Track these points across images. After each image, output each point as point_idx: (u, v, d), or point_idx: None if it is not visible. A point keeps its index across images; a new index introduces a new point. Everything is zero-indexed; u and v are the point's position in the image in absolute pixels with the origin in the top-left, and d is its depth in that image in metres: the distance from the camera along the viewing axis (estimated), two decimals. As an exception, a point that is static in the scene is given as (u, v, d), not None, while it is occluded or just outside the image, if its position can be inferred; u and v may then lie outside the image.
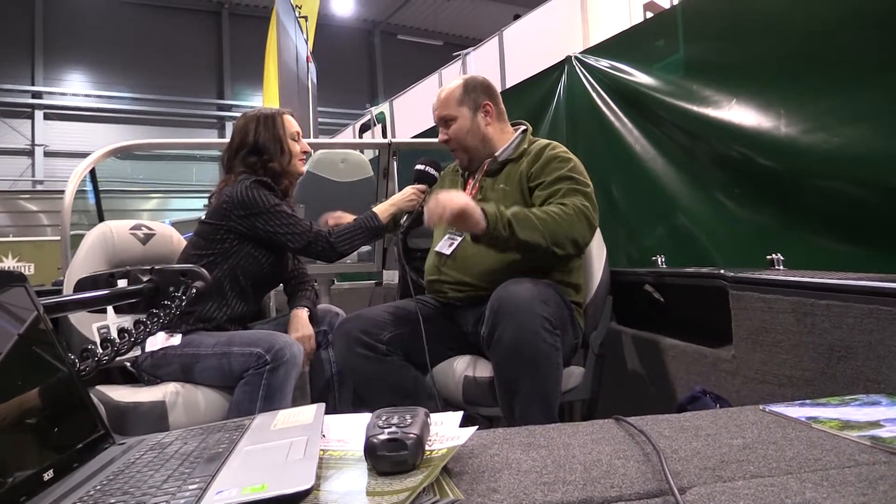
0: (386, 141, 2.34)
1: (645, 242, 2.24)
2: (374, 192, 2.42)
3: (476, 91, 1.55)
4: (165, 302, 0.80)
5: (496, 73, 4.64)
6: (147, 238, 1.63)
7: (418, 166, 1.68)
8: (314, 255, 1.50)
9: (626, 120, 2.36)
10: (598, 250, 1.57)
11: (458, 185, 1.63)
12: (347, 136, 8.23)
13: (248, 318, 1.55)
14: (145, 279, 0.83)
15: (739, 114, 1.76)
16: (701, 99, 1.93)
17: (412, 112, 6.41)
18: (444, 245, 1.55)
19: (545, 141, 1.54)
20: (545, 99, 2.85)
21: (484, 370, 1.33)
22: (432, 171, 1.67)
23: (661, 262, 1.99)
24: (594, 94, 2.53)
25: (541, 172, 1.45)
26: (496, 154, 1.55)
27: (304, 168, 1.61)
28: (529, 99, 2.92)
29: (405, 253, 1.83)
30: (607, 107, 2.46)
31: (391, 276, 2.74)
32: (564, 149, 1.49)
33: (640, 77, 2.28)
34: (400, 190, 1.71)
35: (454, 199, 1.24)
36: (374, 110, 7.35)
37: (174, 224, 2.75)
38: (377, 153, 2.47)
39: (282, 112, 1.60)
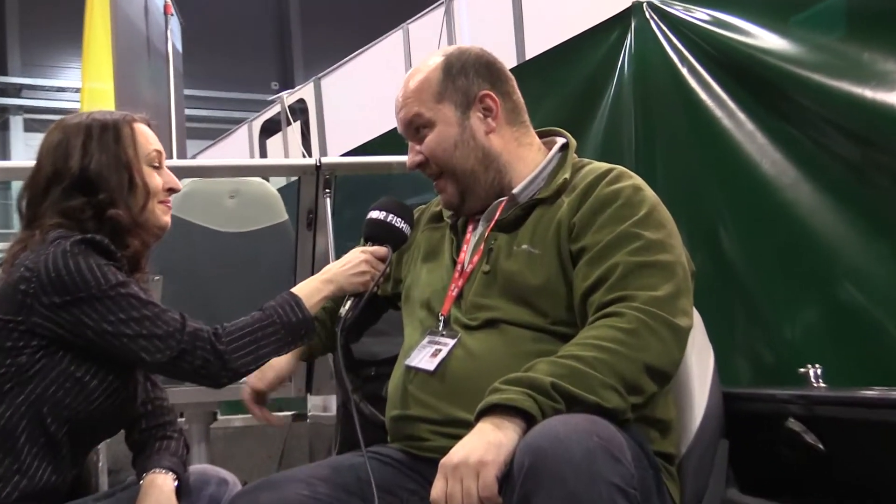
0: (311, 161, 2.38)
1: (785, 338, 2.25)
2: (290, 255, 2.44)
3: (466, 73, 1.62)
4: None
5: (506, 37, 4.74)
6: None
7: (374, 213, 1.74)
8: (188, 376, 1.52)
9: (741, 114, 2.40)
10: (698, 356, 1.59)
11: (445, 245, 1.69)
12: (240, 143, 8.46)
13: (59, 496, 1.51)
14: None
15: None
16: (879, 77, 1.95)
17: (357, 100, 6.54)
18: (423, 354, 1.57)
19: (601, 166, 1.60)
20: (595, 80, 2.91)
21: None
22: (398, 222, 1.73)
23: (817, 376, 1.90)
24: (684, 70, 2.59)
25: (587, 228, 1.50)
26: (514, 190, 1.61)
27: (167, 218, 1.65)
28: (566, 81, 2.98)
29: (349, 366, 1.85)
30: (708, 91, 2.51)
31: (323, 406, 2.75)
32: (633, 180, 1.54)
33: (767, 39, 2.33)
34: (340, 254, 1.76)
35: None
36: (290, 97, 7.56)
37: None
38: (296, 182, 2.49)
39: (130, 119, 1.64)
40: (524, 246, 1.54)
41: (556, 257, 1.50)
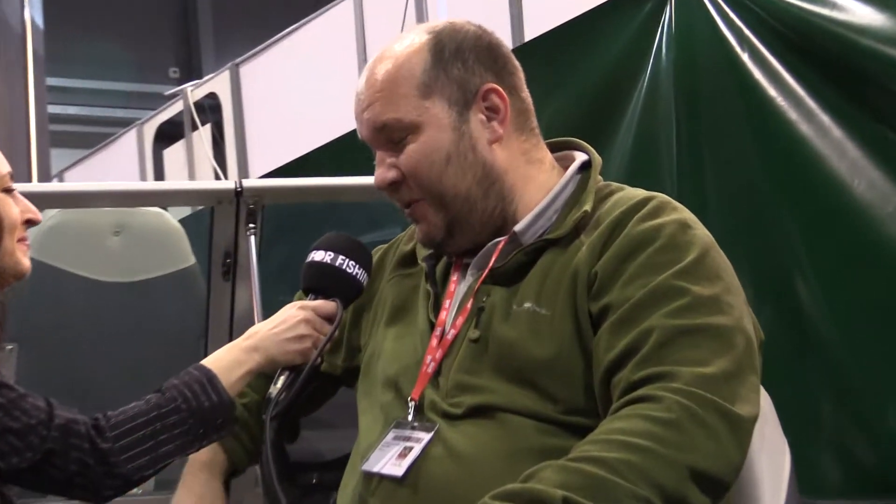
0: (228, 185, 2.40)
1: (890, 429, 2.29)
2: (199, 314, 2.46)
3: (464, 59, 1.65)
4: None
5: (496, 9, 4.71)
6: None
7: (317, 255, 1.76)
8: (58, 486, 1.55)
9: (825, 117, 2.46)
10: (768, 457, 1.64)
11: (418, 300, 1.71)
12: (126, 155, 8.41)
13: None
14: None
15: None
16: None
17: (291, 95, 6.58)
18: (387, 455, 1.57)
19: (634, 194, 1.62)
20: (621, 69, 3.01)
21: None
22: (351, 266, 1.75)
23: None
24: (744, 54, 2.66)
25: (613, 279, 1.52)
26: (517, 226, 1.64)
27: (27, 260, 1.67)
28: (582, 71, 3.08)
29: (283, 471, 1.82)
30: (778, 84, 2.58)
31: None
32: (678, 213, 1.56)
33: (863, 15, 2.38)
34: (269, 312, 1.79)
35: None
36: (196, 90, 7.54)
37: None
38: (207, 212, 2.51)
39: None
40: (527, 304, 1.55)
41: (570, 320, 1.51)
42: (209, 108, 7.34)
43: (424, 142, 1.60)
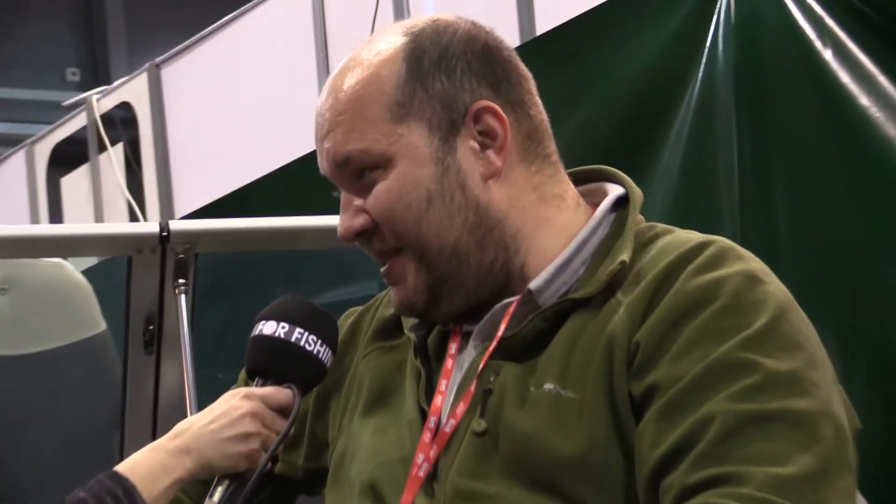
0: (149, 228, 2.41)
1: None
2: (112, 398, 2.45)
3: (450, 68, 1.65)
4: None
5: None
6: None
7: (266, 326, 1.75)
8: None
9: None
10: None
11: (405, 380, 1.72)
12: (12, 184, 8.40)
13: None
14: None
15: None
16: None
17: (230, 105, 6.64)
18: None
19: (686, 238, 1.62)
20: (665, 68, 3.03)
21: None
22: (311, 341, 1.75)
23: None
24: (826, 51, 2.68)
25: (660, 351, 1.52)
26: (533, 283, 1.64)
27: None
28: (613, 72, 3.09)
29: None
30: (871, 88, 2.59)
31: None
32: (743, 263, 1.56)
33: None
34: (206, 398, 1.83)
35: None
36: (104, 99, 7.51)
37: None
38: (122, 263, 2.52)
39: None
40: (549, 385, 1.55)
41: (605, 405, 1.51)
42: (121, 123, 7.34)
43: (398, 179, 1.61)
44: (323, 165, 1.66)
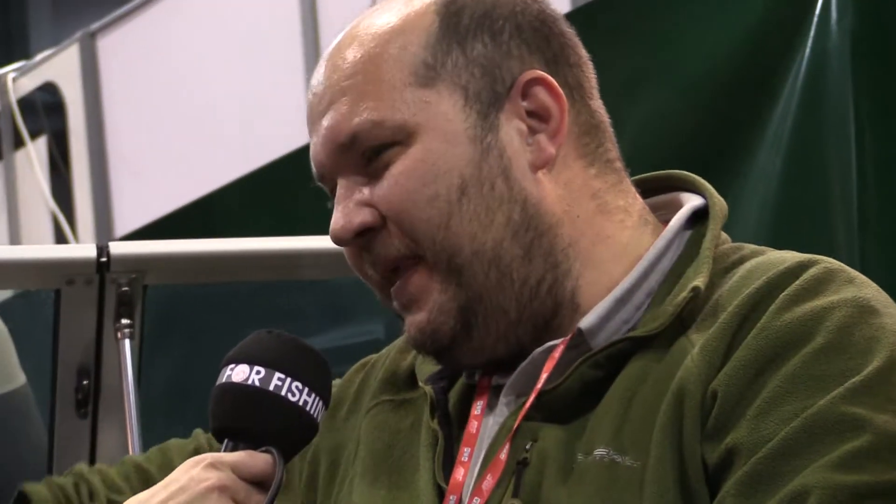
0: (86, 253, 2.42)
1: None
2: (37, 469, 2.48)
3: (496, 29, 1.67)
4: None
5: None
6: None
7: (235, 372, 1.75)
8: None
9: None
10: None
11: (418, 446, 1.74)
12: None
13: None
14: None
15: None
16: None
17: (188, 86, 6.67)
18: None
19: (777, 259, 1.63)
20: (762, 43, 3.05)
21: None
22: (294, 389, 1.74)
23: None
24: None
25: (741, 403, 1.52)
26: (583, 322, 1.65)
27: None
28: (692, 46, 3.13)
29: None
30: None
31: None
32: (852, 289, 1.56)
33: None
34: (162, 469, 1.82)
35: None
36: (22, 78, 7.53)
37: None
38: (46, 297, 2.53)
39: None
40: (600, 451, 1.55)
41: (673, 474, 1.50)
42: (44, 109, 7.40)
43: (422, 159, 1.62)
44: (318, 154, 1.67)
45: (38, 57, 8.08)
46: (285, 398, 1.70)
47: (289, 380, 1.71)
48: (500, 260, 1.62)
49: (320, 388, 1.73)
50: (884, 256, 2.81)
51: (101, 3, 8.19)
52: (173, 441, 2.02)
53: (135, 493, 1.81)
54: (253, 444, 1.70)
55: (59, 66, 7.32)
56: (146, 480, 1.92)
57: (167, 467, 1.90)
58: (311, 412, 1.72)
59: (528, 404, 1.61)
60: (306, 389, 1.71)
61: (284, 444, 1.70)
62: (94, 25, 7.10)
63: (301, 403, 1.70)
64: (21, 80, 7.47)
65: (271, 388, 1.70)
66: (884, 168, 2.88)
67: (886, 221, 2.82)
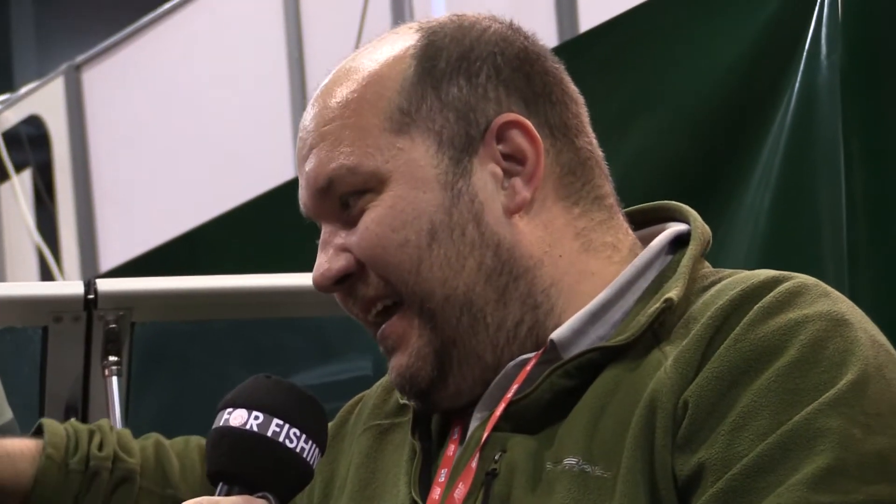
0: (73, 290, 2.44)
1: None
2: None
3: (471, 72, 1.68)
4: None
5: None
6: None
7: (233, 416, 1.76)
8: None
9: None
10: None
11: (400, 462, 1.76)
12: None
13: None
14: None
15: None
16: None
17: (175, 120, 6.70)
18: None
19: (751, 276, 1.63)
20: (756, 65, 3.05)
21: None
22: (292, 435, 1.76)
23: None
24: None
25: (712, 417, 1.51)
26: (555, 333, 1.65)
27: None
28: (684, 72, 3.12)
29: None
30: None
31: None
32: (824, 303, 1.56)
33: None
34: (179, 457, 1.90)
35: None
36: (3, 112, 7.49)
37: None
38: (35, 336, 2.55)
39: None
40: (570, 460, 1.55)
41: (643, 486, 1.51)
42: (29, 142, 7.38)
43: (392, 205, 1.63)
44: (303, 197, 1.68)
45: (23, 90, 8.04)
46: (283, 444, 1.70)
47: (287, 426, 1.71)
48: (473, 304, 1.64)
49: (317, 435, 1.73)
50: (873, 293, 2.81)
51: (86, 36, 8.20)
52: (196, 437, 2.05)
53: (143, 464, 1.91)
54: (249, 488, 1.70)
55: (43, 99, 7.31)
56: (160, 457, 1.99)
57: (184, 456, 1.99)
58: (308, 459, 1.72)
59: (496, 413, 1.62)
60: (304, 436, 1.71)
61: (280, 489, 1.71)
62: (79, 58, 7.10)
63: (298, 450, 1.70)
64: (5, 112, 7.47)
65: (269, 433, 1.70)
66: (873, 203, 2.87)
67: (876, 257, 2.82)
